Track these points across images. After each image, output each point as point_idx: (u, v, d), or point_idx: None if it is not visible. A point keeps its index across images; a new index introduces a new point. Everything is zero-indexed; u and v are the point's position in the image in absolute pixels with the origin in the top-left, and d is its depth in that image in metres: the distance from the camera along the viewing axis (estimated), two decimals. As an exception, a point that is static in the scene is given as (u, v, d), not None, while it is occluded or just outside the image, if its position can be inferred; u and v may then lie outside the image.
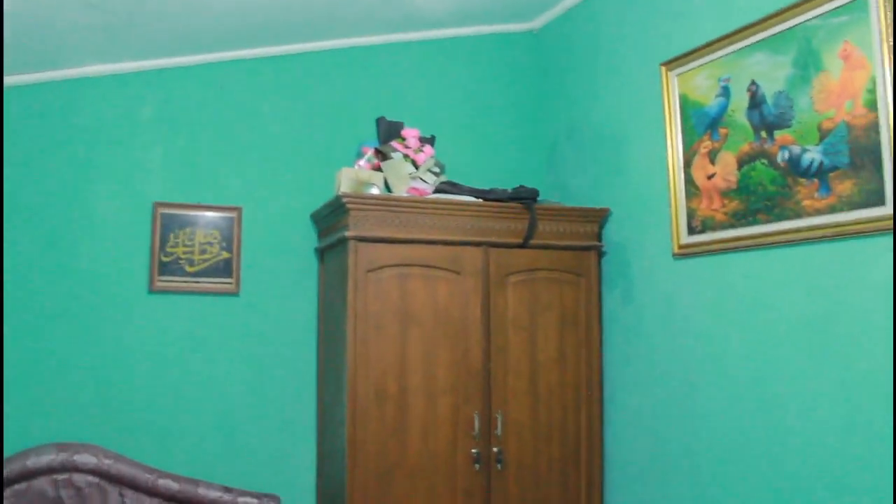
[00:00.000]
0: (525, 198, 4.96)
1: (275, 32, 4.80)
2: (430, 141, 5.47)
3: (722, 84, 4.40)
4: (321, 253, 5.25)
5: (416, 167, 5.20)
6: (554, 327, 4.98)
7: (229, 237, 5.14)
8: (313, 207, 5.33)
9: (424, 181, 5.21)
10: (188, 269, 4.97)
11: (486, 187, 5.26)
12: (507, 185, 5.63)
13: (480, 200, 4.81)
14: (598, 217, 5.11)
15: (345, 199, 4.65)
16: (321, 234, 5.25)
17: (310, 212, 5.32)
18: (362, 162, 5.27)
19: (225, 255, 5.07)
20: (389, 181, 5.14)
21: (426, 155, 5.31)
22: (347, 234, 4.60)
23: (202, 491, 4.65)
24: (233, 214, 5.18)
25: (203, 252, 4.98)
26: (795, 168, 4.06)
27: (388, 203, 4.71)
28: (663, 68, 4.71)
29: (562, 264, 5.05)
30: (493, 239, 4.90)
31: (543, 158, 5.87)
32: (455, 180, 5.42)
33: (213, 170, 5.15)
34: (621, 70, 5.09)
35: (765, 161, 4.20)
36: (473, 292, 4.80)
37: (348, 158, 5.44)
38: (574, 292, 5.05)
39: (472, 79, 5.73)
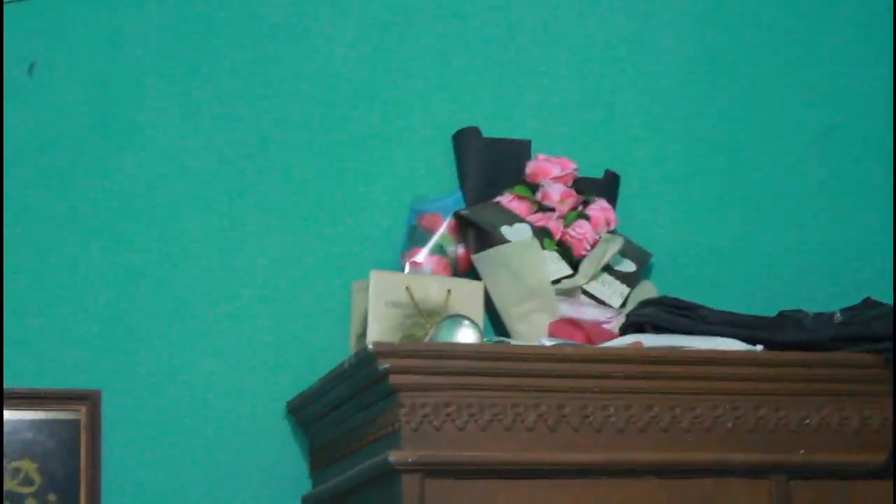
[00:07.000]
0: (883, 340, 3.10)
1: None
2: (607, 190, 3.68)
3: None
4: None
5: (572, 259, 3.49)
6: None
7: (62, 471, 3.46)
8: (293, 389, 3.49)
9: (596, 299, 3.47)
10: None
11: (760, 312, 3.29)
12: (825, 299, 3.53)
13: (760, 349, 3.16)
14: None
15: (384, 362, 3.03)
16: (319, 462, 3.46)
17: (286, 399, 3.50)
18: (422, 255, 3.58)
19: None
20: (497, 300, 3.46)
21: (597, 227, 3.55)
22: (395, 457, 2.95)
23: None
24: (74, 414, 3.64)
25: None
26: None
27: (500, 368, 3.06)
28: None
29: None
30: (801, 456, 3.11)
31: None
32: (676, 295, 3.38)
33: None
34: None
35: None
36: None
37: (383, 248, 3.67)
38: None
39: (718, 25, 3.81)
